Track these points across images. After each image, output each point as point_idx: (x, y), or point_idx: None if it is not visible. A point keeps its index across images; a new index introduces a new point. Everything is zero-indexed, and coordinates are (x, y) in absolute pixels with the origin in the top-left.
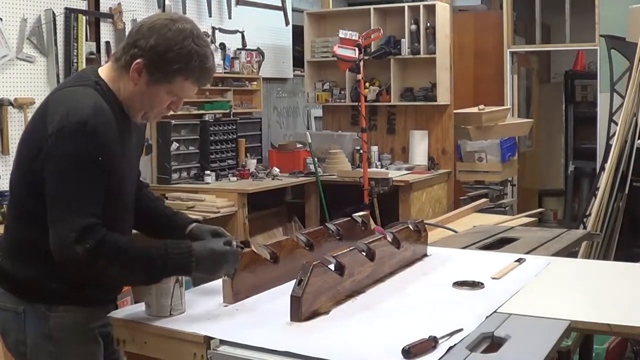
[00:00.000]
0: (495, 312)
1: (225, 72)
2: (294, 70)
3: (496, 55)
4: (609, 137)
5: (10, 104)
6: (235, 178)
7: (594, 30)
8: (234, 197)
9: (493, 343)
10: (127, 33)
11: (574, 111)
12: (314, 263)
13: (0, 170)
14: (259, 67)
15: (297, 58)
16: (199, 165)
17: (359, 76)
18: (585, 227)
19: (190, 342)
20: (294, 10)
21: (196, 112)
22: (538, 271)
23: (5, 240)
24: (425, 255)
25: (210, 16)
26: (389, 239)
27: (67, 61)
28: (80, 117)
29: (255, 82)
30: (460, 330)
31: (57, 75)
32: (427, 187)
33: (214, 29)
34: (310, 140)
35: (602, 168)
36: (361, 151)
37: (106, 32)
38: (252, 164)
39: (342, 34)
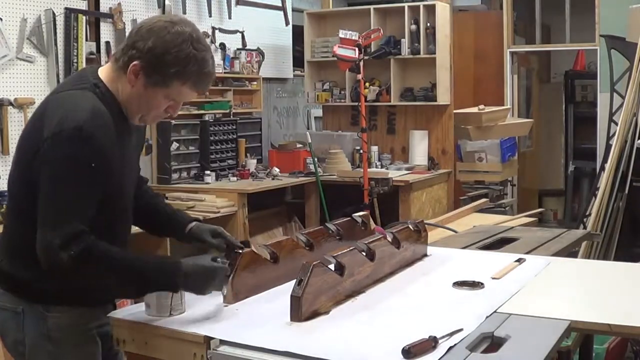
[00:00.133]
0: (495, 312)
1: (225, 72)
2: (294, 70)
3: (496, 55)
4: (609, 137)
5: (10, 104)
6: (235, 178)
7: (594, 30)
8: (234, 197)
9: (493, 343)
10: (127, 33)
11: (574, 111)
12: (314, 263)
13: (0, 170)
14: (259, 67)
15: (297, 58)
16: (199, 165)
17: (359, 76)
18: (585, 227)
19: (190, 342)
20: (294, 10)
21: (196, 112)
22: (538, 271)
23: (4, 239)
24: (425, 255)
25: (210, 16)
26: (389, 239)
27: (67, 61)
28: (77, 122)
29: (255, 82)
30: (460, 330)
31: (57, 75)
32: (427, 187)
33: (214, 29)
34: (310, 140)
35: (602, 168)
36: (361, 151)
37: (106, 32)
38: (252, 164)
39: (342, 34)
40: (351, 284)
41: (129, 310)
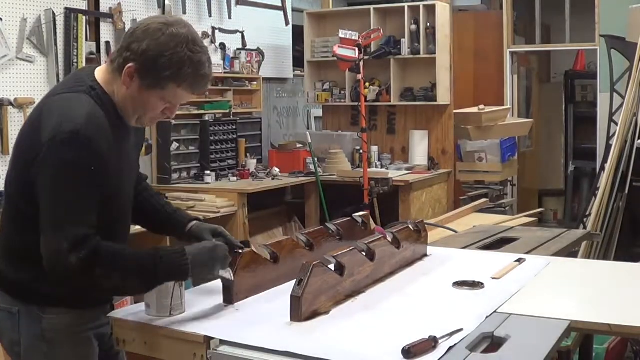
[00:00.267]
0: (495, 312)
1: (225, 72)
2: (294, 70)
3: (496, 55)
4: (609, 137)
5: (10, 104)
6: (235, 178)
7: (594, 30)
8: (234, 197)
9: (493, 343)
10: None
11: (574, 111)
12: (314, 263)
13: (0, 170)
14: (259, 67)
15: (297, 58)
16: (199, 165)
17: (359, 76)
18: (585, 227)
19: (190, 342)
20: (294, 10)
21: (196, 112)
22: (538, 271)
23: (1, 242)
24: (425, 255)
25: (210, 16)
26: (389, 239)
27: (67, 61)
28: (74, 126)
29: (255, 82)
30: (460, 330)
31: (57, 75)
32: (427, 187)
33: (214, 29)
34: (310, 140)
35: (602, 168)
36: (361, 151)
37: (106, 32)
38: (252, 164)
39: (342, 34)
40: (351, 284)
41: (129, 310)
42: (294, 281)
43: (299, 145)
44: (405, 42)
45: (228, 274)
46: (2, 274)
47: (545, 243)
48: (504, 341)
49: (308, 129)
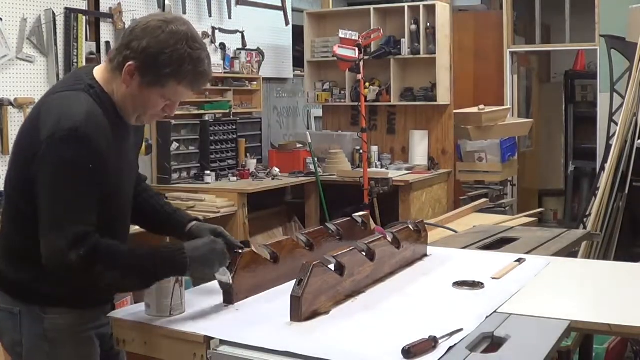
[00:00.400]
0: (495, 312)
1: (225, 72)
2: (294, 70)
3: (496, 55)
4: (609, 137)
5: (10, 104)
6: (235, 178)
7: (594, 30)
8: (234, 197)
9: (493, 343)
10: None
11: (574, 111)
12: (314, 263)
13: (0, 170)
14: (259, 67)
15: (297, 58)
16: (199, 165)
17: (359, 76)
18: (585, 227)
19: (190, 342)
20: (294, 10)
21: (196, 112)
22: (538, 271)
23: (1, 242)
24: (425, 255)
25: (210, 16)
26: (389, 239)
27: (67, 61)
28: (72, 124)
29: (255, 82)
30: (460, 330)
31: (57, 75)
32: (427, 187)
33: (214, 29)
34: (310, 140)
35: (602, 168)
36: (361, 151)
37: (106, 32)
38: (252, 164)
39: (342, 34)
40: (351, 284)
41: (129, 310)
42: (294, 281)
43: (299, 145)
44: (405, 42)
45: (226, 276)
46: (2, 274)
47: (545, 243)
48: (504, 341)
49: (308, 129)
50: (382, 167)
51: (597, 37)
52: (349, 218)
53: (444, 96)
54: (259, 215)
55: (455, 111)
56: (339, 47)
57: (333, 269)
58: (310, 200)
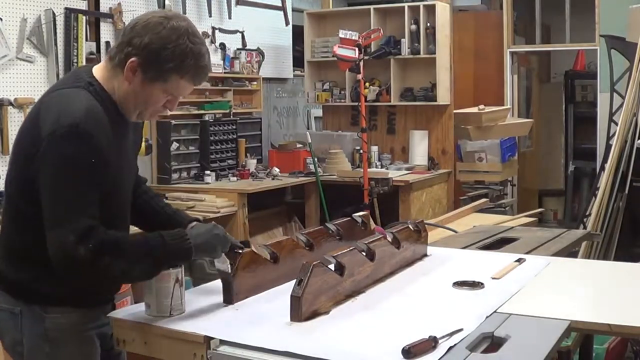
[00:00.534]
0: (495, 312)
1: (225, 72)
2: (294, 70)
3: (496, 55)
4: (609, 137)
5: (10, 104)
6: (235, 178)
7: (594, 30)
8: (234, 197)
9: (493, 343)
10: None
11: (574, 111)
12: (314, 263)
13: (0, 170)
14: (259, 67)
15: (297, 58)
16: (199, 165)
17: (359, 76)
18: (585, 227)
19: (190, 342)
20: (294, 10)
21: (196, 112)
22: (538, 271)
23: (1, 242)
24: (425, 255)
25: (210, 16)
26: (389, 239)
27: (67, 61)
28: (73, 120)
29: (255, 82)
30: (460, 330)
31: (57, 75)
32: (427, 187)
33: (214, 29)
34: (310, 140)
35: (602, 168)
36: (361, 151)
37: (106, 32)
38: (252, 164)
39: (342, 34)
40: (351, 284)
41: (129, 310)
42: (294, 281)
43: (299, 145)
44: (405, 42)
45: (225, 265)
46: (2, 274)
47: (545, 243)
48: (504, 341)
49: (308, 129)
50: (382, 167)
51: (597, 37)
52: (349, 218)
53: (444, 96)
54: (259, 215)
55: (455, 111)
56: (339, 47)
57: (333, 269)
58: (310, 200)
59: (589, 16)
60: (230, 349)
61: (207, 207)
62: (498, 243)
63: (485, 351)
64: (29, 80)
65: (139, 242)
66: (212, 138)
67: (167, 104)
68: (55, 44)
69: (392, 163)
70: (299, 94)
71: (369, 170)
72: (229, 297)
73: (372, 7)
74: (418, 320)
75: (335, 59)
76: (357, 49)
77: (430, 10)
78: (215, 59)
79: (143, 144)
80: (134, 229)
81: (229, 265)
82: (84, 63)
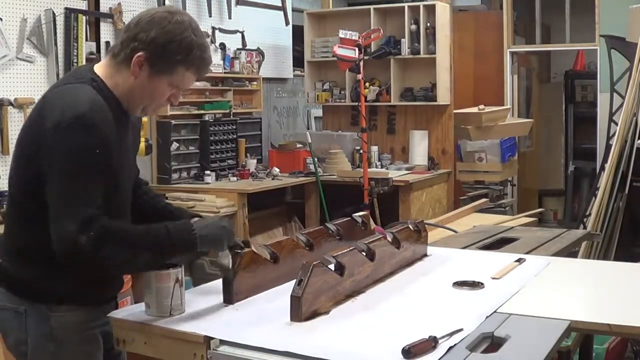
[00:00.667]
0: (495, 312)
1: (225, 72)
2: (294, 70)
3: (496, 55)
4: (609, 137)
5: (10, 104)
6: (235, 178)
7: (594, 30)
8: (234, 197)
9: (493, 343)
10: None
11: (574, 111)
12: (314, 263)
13: (0, 170)
14: (259, 67)
15: (297, 58)
16: (199, 165)
17: (359, 76)
18: (585, 227)
19: (190, 342)
20: (294, 10)
21: (196, 112)
22: (538, 271)
23: (5, 240)
24: (425, 255)
25: (210, 16)
26: (389, 239)
27: (67, 61)
28: (78, 112)
29: (255, 82)
30: (460, 330)
31: (57, 75)
32: (427, 187)
33: (214, 29)
34: (310, 140)
35: (602, 168)
36: (361, 151)
37: (106, 32)
38: (252, 164)
39: (342, 34)
40: (351, 284)
41: (129, 310)
42: (294, 281)
43: (299, 145)
44: (405, 42)
45: (227, 260)
46: (7, 273)
47: (545, 243)
48: (504, 341)
49: (308, 129)
50: (382, 167)
51: (597, 37)
52: (349, 218)
53: (444, 96)
54: (259, 215)
55: (455, 111)
56: (339, 47)
57: (333, 269)
58: (310, 200)
59: (589, 16)
60: (230, 349)
61: (207, 207)
62: (498, 243)
63: (485, 351)
64: (29, 80)
65: (143, 232)
66: (212, 138)
67: (171, 97)
68: (55, 44)
69: (392, 163)
70: (299, 94)
71: (369, 170)
72: (229, 297)
73: (372, 7)
74: (418, 320)
75: (335, 59)
76: (357, 49)
77: (430, 10)
78: (215, 59)
79: (143, 143)
80: None
81: (230, 260)
82: (84, 63)
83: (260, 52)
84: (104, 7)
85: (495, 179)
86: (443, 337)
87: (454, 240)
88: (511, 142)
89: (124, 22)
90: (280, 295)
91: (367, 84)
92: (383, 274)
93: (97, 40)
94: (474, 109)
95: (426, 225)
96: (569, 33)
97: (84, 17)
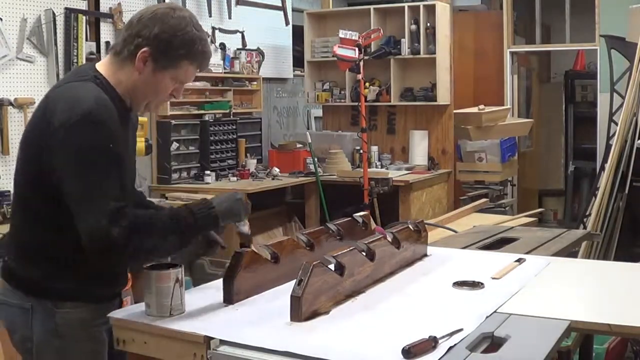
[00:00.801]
0: (495, 312)
1: (225, 72)
2: (294, 70)
3: (496, 55)
4: (609, 137)
5: (10, 104)
6: (235, 178)
7: (594, 30)
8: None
9: (493, 343)
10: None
11: (574, 111)
12: (314, 263)
13: (0, 170)
14: (259, 67)
15: (297, 58)
16: (199, 165)
17: (359, 76)
18: (585, 227)
19: (190, 342)
20: (294, 10)
21: (196, 112)
22: (538, 271)
23: (12, 240)
24: (425, 255)
25: (210, 16)
26: (389, 239)
27: (67, 61)
28: (84, 109)
29: (255, 82)
30: (460, 330)
31: (57, 75)
32: (427, 187)
33: (214, 29)
34: (310, 140)
35: (602, 168)
36: (361, 151)
37: (106, 32)
38: (252, 164)
39: (342, 34)
40: (351, 284)
41: (129, 310)
42: (294, 281)
43: (299, 145)
44: (405, 42)
45: (246, 227)
46: (14, 272)
47: (545, 243)
48: (504, 341)
49: (308, 129)
50: (382, 167)
51: (597, 37)
52: (349, 218)
53: (444, 96)
54: (259, 215)
55: (455, 111)
56: (339, 47)
57: (333, 269)
58: (310, 200)
59: (589, 16)
60: (230, 349)
61: None
62: (498, 243)
63: (485, 351)
64: (29, 80)
65: (168, 216)
66: (212, 138)
67: (174, 91)
68: (55, 44)
69: (392, 163)
70: (299, 94)
71: (369, 170)
72: (229, 297)
73: (372, 7)
74: (418, 320)
75: (335, 59)
76: (357, 49)
77: (430, 10)
78: (215, 59)
79: (142, 143)
80: None
81: (249, 228)
82: (84, 63)
83: (260, 52)
84: (104, 7)
85: (495, 179)
86: (443, 337)
87: (454, 240)
88: (511, 142)
89: (124, 22)
90: (280, 295)
91: (367, 84)
92: (383, 274)
93: (97, 40)
94: (474, 109)
95: (426, 225)
96: (569, 33)
97: (84, 17)
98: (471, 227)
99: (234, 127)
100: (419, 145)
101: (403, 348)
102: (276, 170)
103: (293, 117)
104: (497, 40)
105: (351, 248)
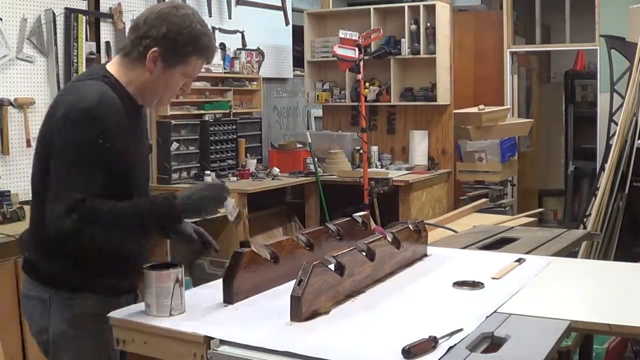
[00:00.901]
0: (495, 312)
1: (225, 72)
2: (294, 70)
3: (496, 55)
4: (609, 137)
5: (10, 104)
6: (235, 178)
7: (594, 30)
8: (234, 197)
9: (493, 343)
10: (127, 33)
11: (574, 111)
12: (314, 263)
13: (0, 170)
14: (259, 67)
15: (297, 58)
16: (199, 165)
17: (359, 76)
18: (585, 227)
19: (190, 342)
20: (294, 10)
21: (196, 112)
22: (538, 271)
23: (32, 237)
24: (425, 255)
25: (210, 16)
26: (389, 239)
27: (67, 61)
28: (86, 104)
29: (255, 82)
30: (460, 330)
31: (57, 75)
32: (427, 187)
33: (214, 29)
34: (310, 140)
35: (602, 168)
36: (361, 151)
37: (106, 32)
38: (252, 164)
39: (342, 34)
40: (351, 284)
41: (129, 310)
42: (294, 281)
43: (299, 145)
44: (405, 42)
45: (230, 205)
46: (34, 265)
47: (545, 243)
48: (504, 341)
49: (308, 129)
50: (382, 167)
51: (597, 37)
52: (349, 218)
53: (444, 96)
54: (259, 215)
55: (455, 111)
56: (339, 47)
57: (333, 269)
58: (310, 200)
59: (589, 16)
60: (230, 349)
61: None
62: (498, 243)
63: (485, 351)
64: (29, 80)
65: (125, 206)
66: (212, 138)
67: (184, 87)
68: (55, 44)
69: (392, 163)
70: (299, 94)
71: (369, 170)
72: (229, 297)
73: (372, 7)
74: (418, 320)
75: (335, 59)
76: (357, 49)
77: (430, 10)
78: (216, 59)
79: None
80: None
81: (235, 207)
82: (84, 63)
83: (260, 52)
84: (104, 7)
85: (495, 179)
86: (443, 337)
87: (454, 240)
88: (511, 142)
89: (124, 22)
90: (280, 295)
91: (367, 84)
92: (383, 274)
93: (97, 40)
94: (474, 109)
95: (426, 225)
96: (569, 33)
97: (84, 17)
98: (471, 227)
99: (234, 127)
100: (419, 145)
101: (403, 348)
102: (276, 170)
103: (293, 117)
104: (497, 40)
105: (351, 248)
